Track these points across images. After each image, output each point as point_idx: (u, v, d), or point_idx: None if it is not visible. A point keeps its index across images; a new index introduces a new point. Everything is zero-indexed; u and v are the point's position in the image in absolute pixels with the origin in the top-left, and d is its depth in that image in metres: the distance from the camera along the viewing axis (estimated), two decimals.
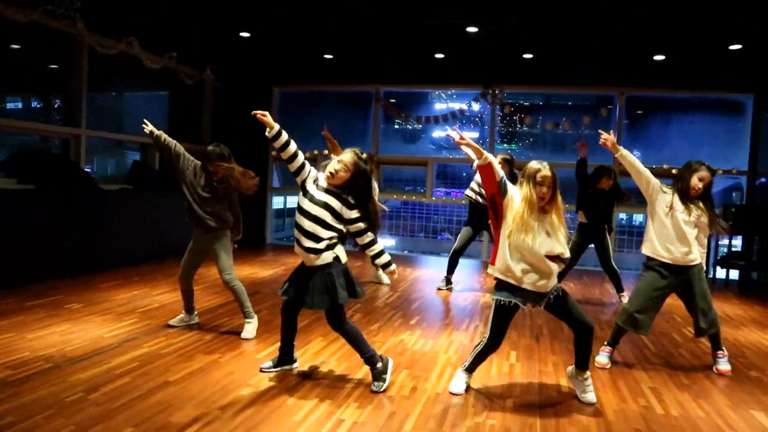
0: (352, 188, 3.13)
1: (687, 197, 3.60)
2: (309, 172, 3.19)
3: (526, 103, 9.82)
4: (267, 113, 3.12)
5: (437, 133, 10.26)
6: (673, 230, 3.59)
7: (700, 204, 3.64)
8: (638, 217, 10.24)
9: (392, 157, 9.71)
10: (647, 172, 3.65)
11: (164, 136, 4.09)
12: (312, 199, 3.11)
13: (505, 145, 9.84)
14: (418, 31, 6.92)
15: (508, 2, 5.71)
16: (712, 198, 3.69)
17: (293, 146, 3.15)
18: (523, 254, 2.91)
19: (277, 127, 3.09)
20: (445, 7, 5.93)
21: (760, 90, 7.70)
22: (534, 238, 2.86)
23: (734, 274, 7.78)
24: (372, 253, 3.21)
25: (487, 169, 2.96)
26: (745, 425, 2.95)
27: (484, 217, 6.06)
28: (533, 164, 2.96)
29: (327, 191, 3.12)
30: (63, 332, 3.94)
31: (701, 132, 8.52)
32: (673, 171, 8.34)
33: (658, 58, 7.22)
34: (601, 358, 3.81)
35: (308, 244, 3.09)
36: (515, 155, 9.50)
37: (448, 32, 6.79)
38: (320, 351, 3.85)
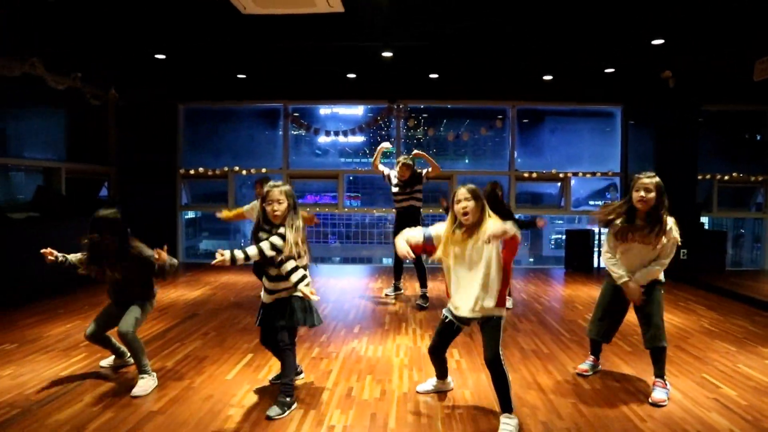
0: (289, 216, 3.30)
1: (639, 218, 3.54)
2: (258, 242, 3.28)
3: (425, 108, 10.41)
4: (223, 256, 3.14)
5: (322, 139, 10.41)
6: (624, 253, 3.65)
7: (652, 226, 3.50)
8: None
9: (304, 171, 9.96)
10: (614, 260, 3.69)
11: (69, 259, 3.73)
12: (265, 248, 3.24)
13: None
14: (333, 53, 7.28)
15: (422, 30, 6.27)
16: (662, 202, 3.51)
17: (249, 256, 3.23)
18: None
19: (228, 256, 3.15)
20: (364, 34, 6.37)
21: (627, 102, 9.06)
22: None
23: None
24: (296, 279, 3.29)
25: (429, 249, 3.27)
26: (650, 390, 3.65)
27: (411, 223, 6.41)
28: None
29: (265, 230, 3.31)
30: (12, 375, 3.82)
31: (581, 139, 9.72)
32: (560, 175, 9.44)
33: (547, 77, 8.22)
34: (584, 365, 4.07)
35: (282, 286, 3.32)
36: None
37: (363, 55, 7.23)
38: None
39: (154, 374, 3.73)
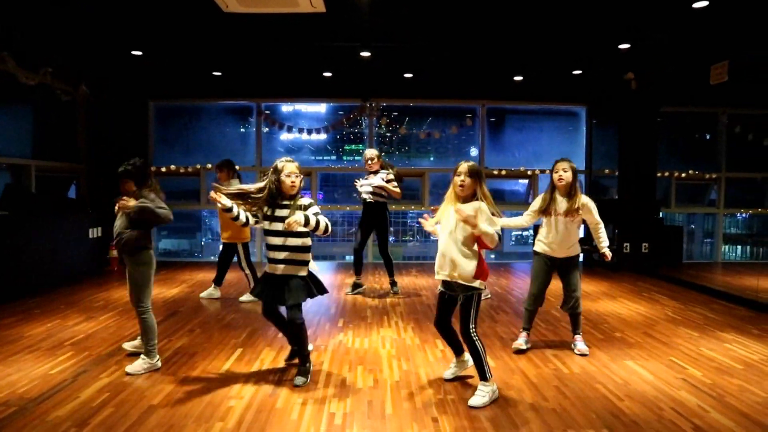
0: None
1: (560, 195, 4.25)
2: (257, 210, 3.63)
3: (391, 106, 10.54)
4: (220, 196, 3.51)
5: (284, 136, 10.43)
6: (552, 228, 4.29)
7: (570, 199, 4.22)
8: None
9: None
10: (522, 219, 4.40)
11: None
12: (282, 220, 3.51)
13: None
14: (311, 52, 7.35)
15: (400, 31, 6.42)
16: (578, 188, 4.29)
17: (242, 215, 3.60)
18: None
19: (231, 207, 3.57)
20: (344, 34, 6.48)
21: (591, 103, 9.45)
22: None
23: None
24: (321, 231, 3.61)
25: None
26: (624, 372, 3.92)
27: (376, 217, 6.35)
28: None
29: (283, 207, 3.60)
30: None
31: (545, 138, 10.06)
32: (528, 172, 9.76)
33: (517, 78, 8.50)
34: (520, 341, 4.46)
35: (301, 257, 3.61)
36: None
37: (341, 54, 7.33)
38: (275, 359, 4.17)
39: (158, 359, 3.92)
